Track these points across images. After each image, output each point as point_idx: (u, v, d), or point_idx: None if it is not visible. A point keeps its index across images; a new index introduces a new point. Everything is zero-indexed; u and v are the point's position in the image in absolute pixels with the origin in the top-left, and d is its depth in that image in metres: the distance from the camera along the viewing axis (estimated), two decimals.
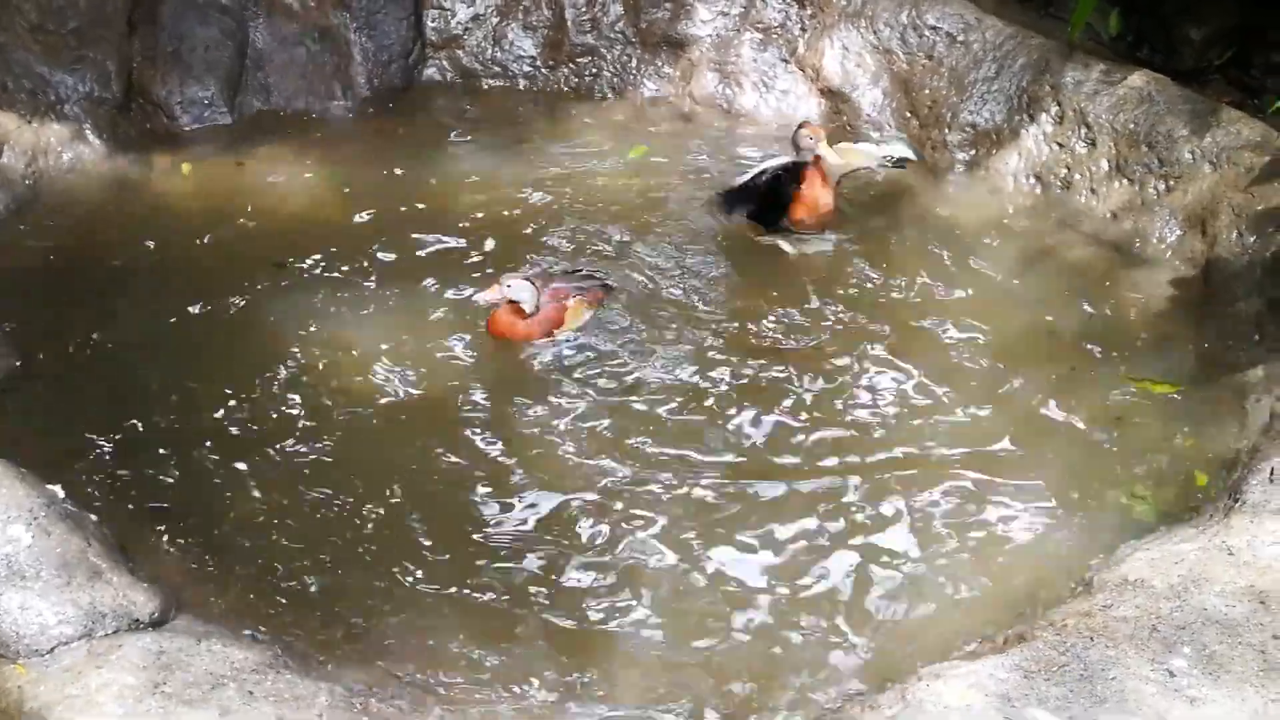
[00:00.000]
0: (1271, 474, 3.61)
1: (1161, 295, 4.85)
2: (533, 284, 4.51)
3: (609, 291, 4.79)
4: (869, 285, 4.97)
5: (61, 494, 3.48)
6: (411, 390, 4.37)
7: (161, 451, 4.06)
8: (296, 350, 4.48)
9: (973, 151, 5.66)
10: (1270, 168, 4.84)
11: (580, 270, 4.84)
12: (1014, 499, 3.99)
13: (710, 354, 4.59)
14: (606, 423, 4.26)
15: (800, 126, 5.14)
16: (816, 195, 5.09)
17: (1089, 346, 4.64)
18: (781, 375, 4.50)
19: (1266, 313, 4.47)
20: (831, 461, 4.15)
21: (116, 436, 4.10)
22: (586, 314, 4.68)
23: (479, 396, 4.37)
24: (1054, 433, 4.25)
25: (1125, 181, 5.24)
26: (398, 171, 5.55)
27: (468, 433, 4.22)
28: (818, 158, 5.04)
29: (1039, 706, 2.90)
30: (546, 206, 5.36)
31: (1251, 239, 4.74)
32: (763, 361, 4.55)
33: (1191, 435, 4.16)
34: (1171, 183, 5.11)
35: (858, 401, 4.41)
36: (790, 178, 5.12)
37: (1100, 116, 5.33)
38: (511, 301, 4.51)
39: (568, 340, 4.60)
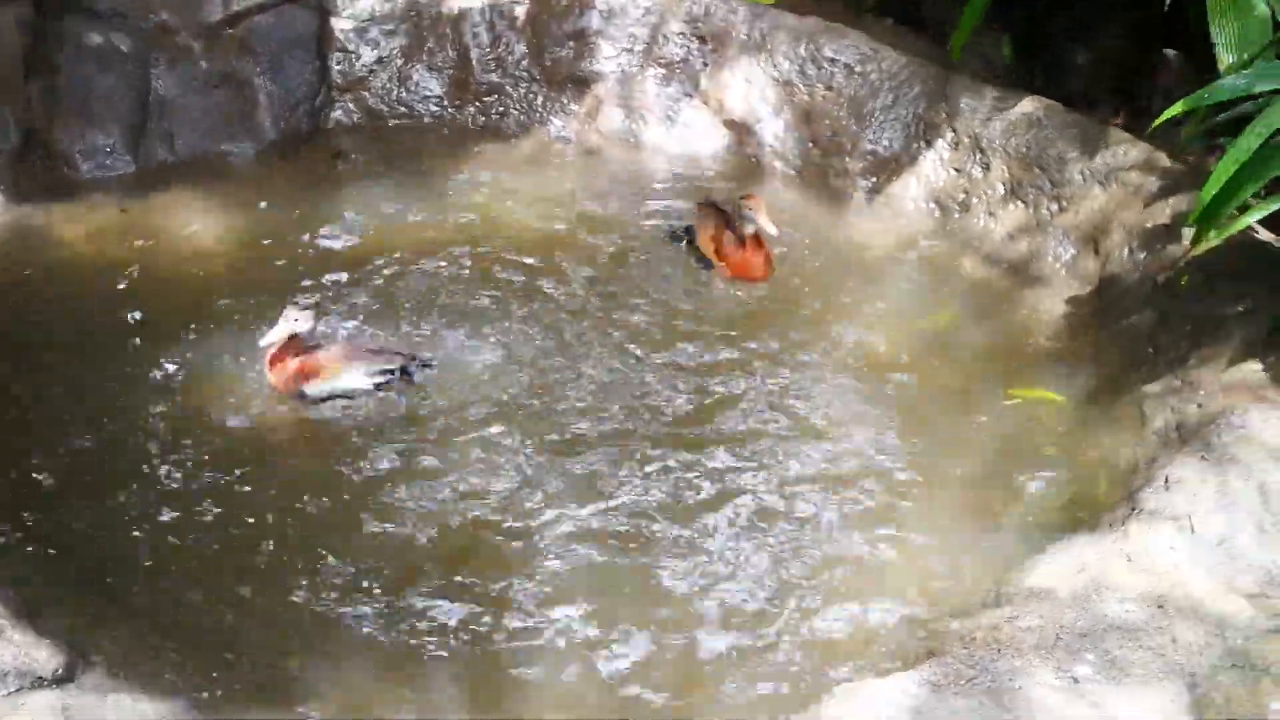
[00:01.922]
0: (1166, 482, 3.71)
1: (1058, 313, 4.99)
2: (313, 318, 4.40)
3: (406, 376, 4.51)
4: (768, 308, 5.04)
5: None
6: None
7: (56, 505, 4.01)
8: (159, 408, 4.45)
9: (874, 178, 5.78)
10: (1157, 186, 5.00)
11: (398, 351, 4.58)
12: (916, 516, 4.07)
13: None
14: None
15: (743, 198, 5.17)
16: (752, 262, 5.16)
17: (988, 364, 4.76)
18: (663, 397, 4.55)
19: (1159, 326, 4.60)
20: (728, 481, 4.20)
21: (8, 491, 4.03)
22: (349, 376, 4.45)
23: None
24: (955, 448, 4.34)
25: (1020, 204, 5.39)
26: (296, 214, 5.53)
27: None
28: (756, 233, 5.10)
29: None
30: (449, 243, 5.38)
31: (1142, 255, 4.89)
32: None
33: (1090, 446, 4.27)
34: (1064, 203, 5.26)
35: (755, 422, 4.46)
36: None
37: (994, 141, 5.48)
38: (293, 339, 4.39)
39: (318, 394, 4.45)
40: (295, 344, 4.43)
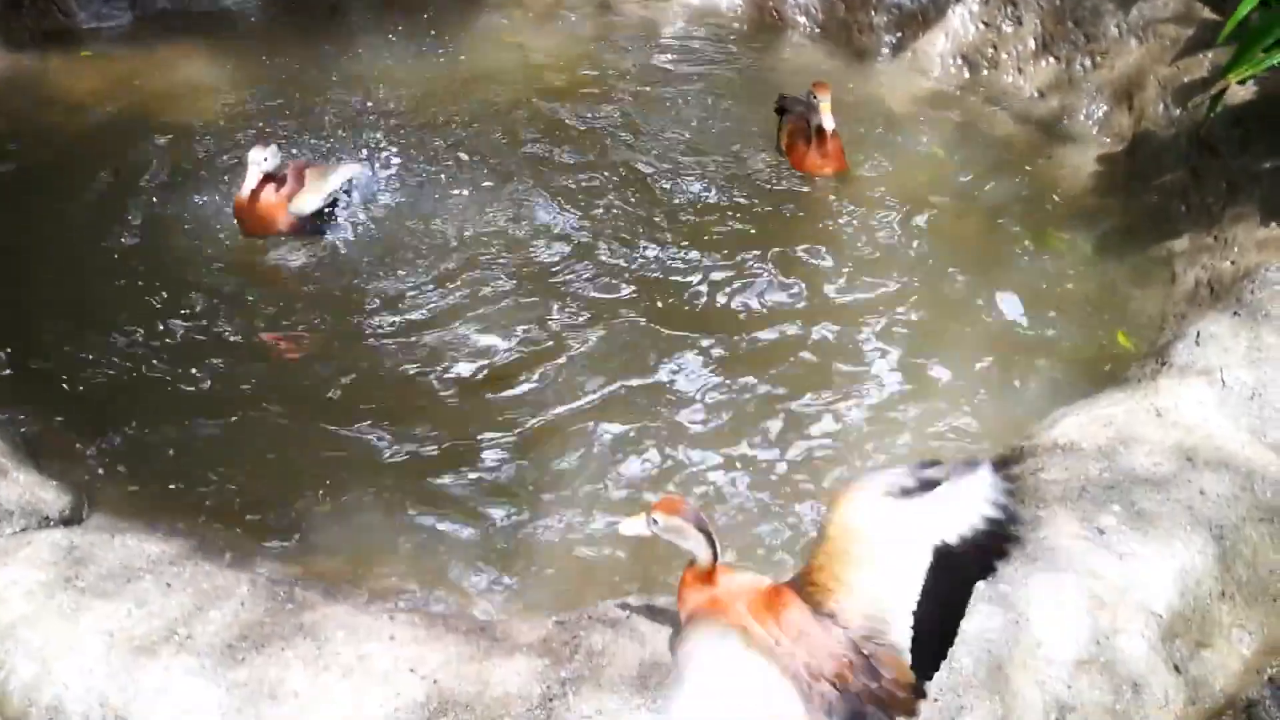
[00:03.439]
0: (1198, 337, 3.60)
1: (1088, 170, 4.83)
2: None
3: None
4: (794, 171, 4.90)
5: None
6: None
7: (65, 350, 3.94)
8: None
9: (899, 34, 5.58)
10: (1194, 39, 4.80)
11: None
12: (943, 369, 3.97)
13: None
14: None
15: (814, 85, 4.75)
16: (815, 159, 4.81)
17: (1015, 221, 4.61)
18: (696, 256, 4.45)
19: (1191, 183, 4.46)
20: (766, 333, 4.12)
21: (20, 339, 3.95)
22: (330, 181, 4.41)
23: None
24: (980, 303, 4.23)
25: (1052, 59, 5.19)
26: (298, 66, 5.38)
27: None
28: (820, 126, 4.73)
29: None
30: (456, 92, 5.23)
31: (1177, 111, 4.72)
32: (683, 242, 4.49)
33: (1120, 302, 4.16)
34: (1098, 58, 5.07)
35: (785, 280, 4.35)
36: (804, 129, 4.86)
37: None
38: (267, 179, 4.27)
39: (307, 209, 4.37)
40: (266, 181, 4.31)
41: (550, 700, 2.57)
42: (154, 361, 3.93)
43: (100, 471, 3.53)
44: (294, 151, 4.70)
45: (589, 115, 5.12)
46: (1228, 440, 3.29)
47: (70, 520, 3.15)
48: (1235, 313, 3.65)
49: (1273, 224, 4.03)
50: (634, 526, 2.58)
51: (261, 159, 4.24)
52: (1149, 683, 2.83)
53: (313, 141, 4.87)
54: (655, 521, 2.52)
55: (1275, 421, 3.35)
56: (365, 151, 4.76)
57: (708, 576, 2.50)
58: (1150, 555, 2.96)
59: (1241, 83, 4.36)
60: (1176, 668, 2.88)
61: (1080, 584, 2.87)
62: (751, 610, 2.40)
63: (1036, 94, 5.17)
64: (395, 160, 4.77)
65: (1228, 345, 3.53)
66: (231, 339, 4.03)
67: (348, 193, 4.48)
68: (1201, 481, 3.15)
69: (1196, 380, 3.46)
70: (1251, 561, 3.05)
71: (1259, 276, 3.77)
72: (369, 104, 5.13)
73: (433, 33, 5.63)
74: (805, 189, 4.76)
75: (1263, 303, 3.67)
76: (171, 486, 3.49)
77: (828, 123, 4.67)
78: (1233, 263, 4.00)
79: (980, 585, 2.78)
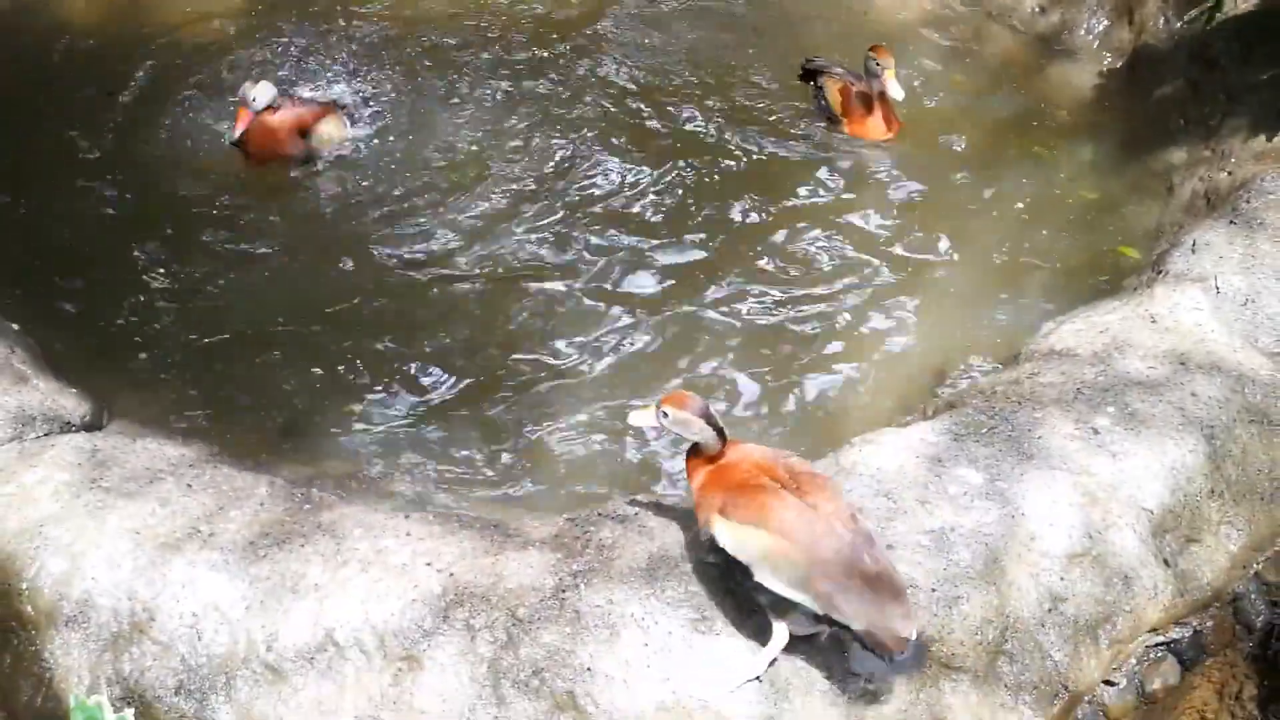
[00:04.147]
0: (1193, 246, 3.67)
1: (1089, 84, 4.85)
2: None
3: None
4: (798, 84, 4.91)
5: None
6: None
7: (82, 266, 4.00)
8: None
9: None
10: None
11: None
12: (946, 274, 4.05)
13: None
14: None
15: (871, 49, 4.45)
16: (875, 123, 4.56)
17: (1016, 132, 4.65)
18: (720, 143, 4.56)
19: (1191, 97, 4.48)
20: (774, 234, 4.22)
21: (38, 253, 4.02)
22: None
23: None
24: (981, 214, 4.28)
25: None
26: None
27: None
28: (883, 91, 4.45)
29: (969, 465, 2.97)
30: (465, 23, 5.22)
31: (1177, 24, 4.73)
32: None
33: (1117, 212, 4.22)
34: None
35: (788, 187, 4.41)
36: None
37: None
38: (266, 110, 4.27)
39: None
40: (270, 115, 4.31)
41: (563, 591, 2.67)
42: (165, 276, 3.99)
43: (118, 380, 3.60)
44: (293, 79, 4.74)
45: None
46: (1220, 345, 3.36)
47: (91, 427, 3.23)
48: (1231, 221, 3.71)
49: (1269, 136, 4.07)
50: (643, 418, 2.70)
51: (253, 96, 4.22)
52: (1139, 575, 2.93)
53: (314, 67, 4.87)
54: (665, 415, 2.63)
55: (1267, 327, 3.43)
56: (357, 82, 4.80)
57: (718, 458, 2.62)
58: (1142, 454, 3.04)
59: None
60: (1166, 561, 2.99)
61: (1074, 481, 2.96)
62: (767, 472, 2.55)
63: (1038, 9, 5.17)
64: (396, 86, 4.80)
65: (1222, 253, 3.60)
66: (240, 250, 4.09)
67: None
68: (1194, 384, 3.23)
69: (1191, 287, 3.53)
70: (1240, 461, 3.14)
71: (1255, 186, 3.83)
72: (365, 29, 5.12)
73: None
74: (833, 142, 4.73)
75: (1258, 212, 3.73)
76: (191, 393, 3.58)
77: (896, 91, 4.37)
78: (1229, 174, 4.05)
79: (977, 482, 2.91)
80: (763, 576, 2.45)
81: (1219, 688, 3.01)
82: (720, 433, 2.60)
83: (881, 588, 2.41)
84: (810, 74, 4.74)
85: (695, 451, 2.65)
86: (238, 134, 4.29)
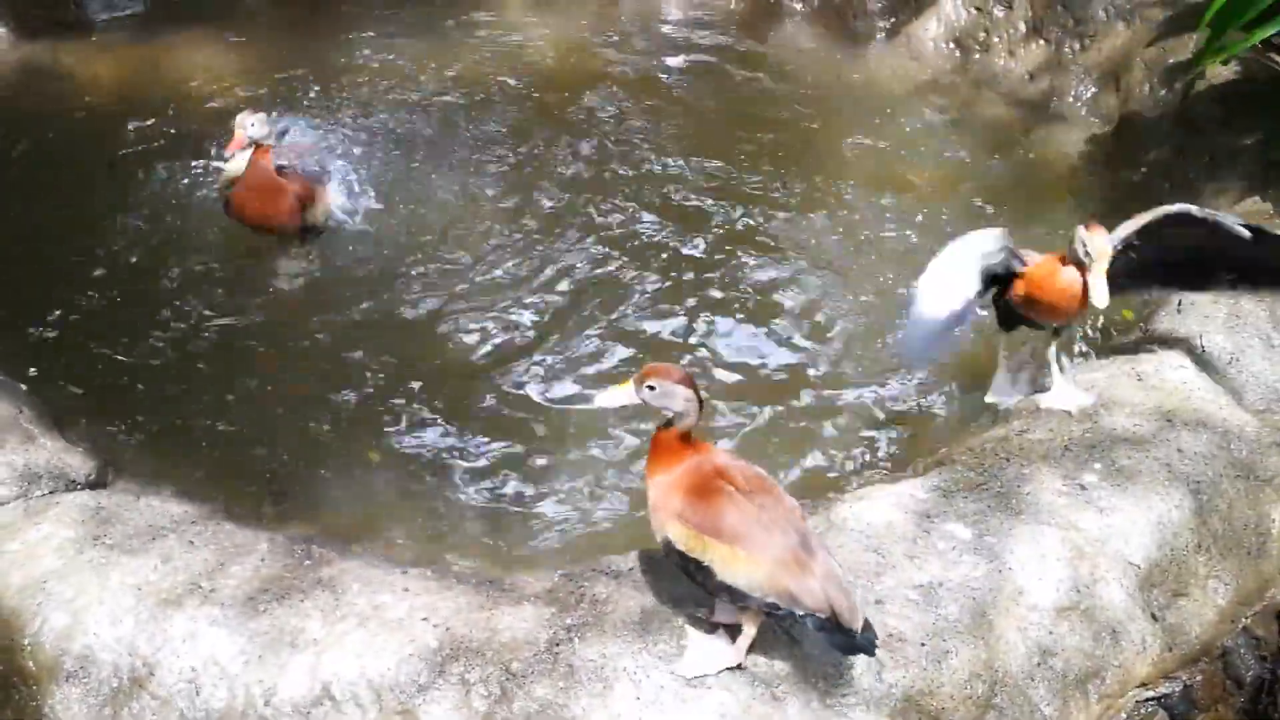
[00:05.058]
0: (1179, 305, 3.73)
1: (1077, 151, 4.96)
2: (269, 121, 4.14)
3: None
4: (793, 142, 5.01)
5: None
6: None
7: (90, 326, 4.08)
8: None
9: (893, 19, 5.71)
10: (1177, 20, 4.93)
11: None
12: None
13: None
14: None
15: (1085, 229, 3.20)
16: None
17: (1008, 199, 4.74)
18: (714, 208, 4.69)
19: (1176, 160, 4.59)
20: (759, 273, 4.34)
21: (45, 314, 4.11)
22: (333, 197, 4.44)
23: None
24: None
25: (1041, 42, 5.33)
26: (304, 55, 5.49)
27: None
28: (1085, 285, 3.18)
29: (957, 521, 3.02)
30: (455, 79, 5.36)
31: (1162, 92, 4.85)
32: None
33: None
34: (1086, 41, 5.20)
35: (777, 244, 4.54)
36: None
37: None
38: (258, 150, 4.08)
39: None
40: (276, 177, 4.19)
41: (556, 645, 2.70)
42: (167, 339, 4.07)
43: (123, 440, 3.67)
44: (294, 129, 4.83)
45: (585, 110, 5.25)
46: (1206, 402, 3.42)
47: (96, 484, 3.29)
48: None
49: (1253, 196, 4.17)
50: (617, 397, 2.66)
51: (248, 124, 4.05)
52: (1127, 629, 2.97)
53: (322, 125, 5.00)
54: (651, 388, 2.59)
55: (1252, 385, 3.50)
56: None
57: (686, 438, 2.65)
58: (1129, 509, 3.09)
59: (1224, 63, 4.50)
60: (1154, 616, 3.02)
61: (1062, 536, 3.00)
62: (724, 477, 2.62)
63: (1027, 76, 5.30)
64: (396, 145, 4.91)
65: (1208, 313, 3.67)
66: (240, 320, 4.18)
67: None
68: (1180, 440, 3.28)
69: (1177, 346, 3.59)
70: (1227, 515, 3.18)
71: None
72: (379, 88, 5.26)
73: (449, 22, 5.74)
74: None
75: None
76: (194, 451, 3.63)
77: (1100, 297, 3.12)
78: None
79: (965, 538, 2.96)
80: (725, 577, 2.54)
81: None
82: (702, 403, 2.64)
83: (831, 582, 2.51)
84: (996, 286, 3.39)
85: (667, 427, 2.64)
86: (228, 156, 4.18)
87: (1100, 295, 3.04)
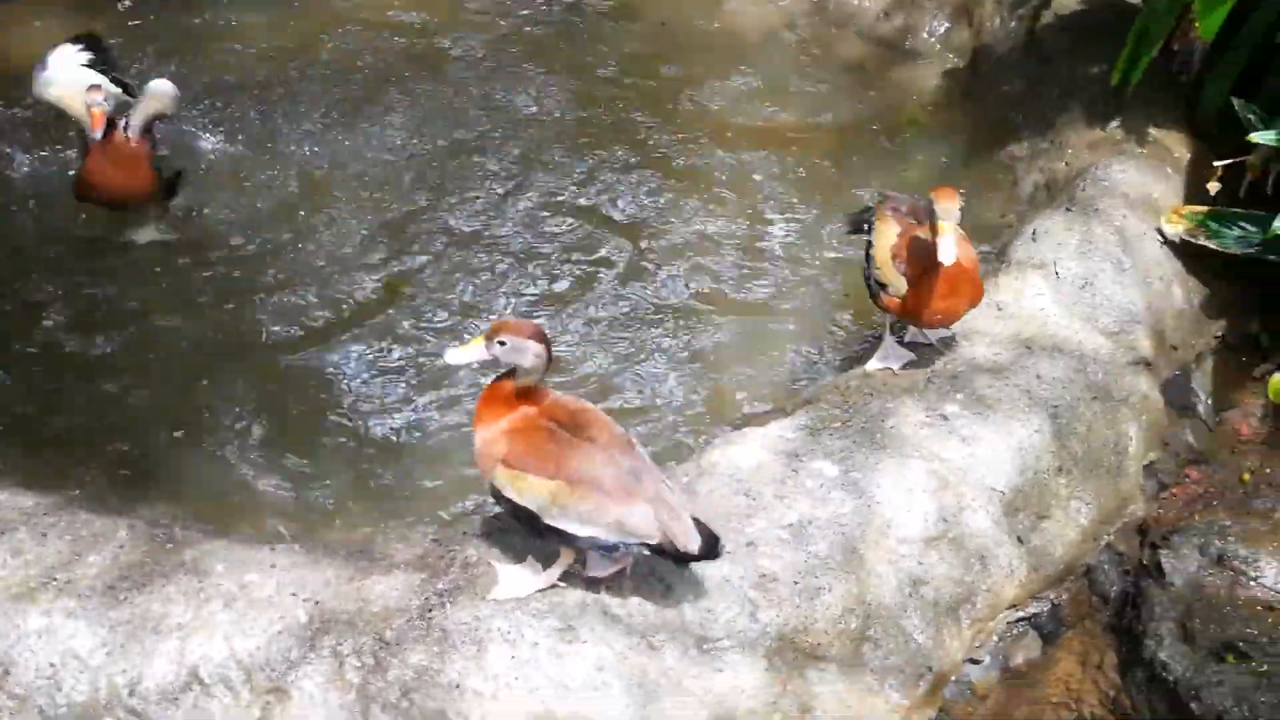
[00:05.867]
0: (1034, 234, 3.80)
1: (933, 85, 5.01)
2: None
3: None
4: (652, 83, 4.98)
5: None
6: None
7: None
8: None
9: None
10: None
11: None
12: (793, 282, 4.15)
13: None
14: None
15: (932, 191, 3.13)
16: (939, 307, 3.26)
17: (865, 135, 4.77)
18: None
19: (1028, 92, 4.65)
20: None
21: None
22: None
23: None
24: (832, 219, 4.38)
25: None
26: (158, 23, 5.28)
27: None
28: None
29: (824, 458, 3.05)
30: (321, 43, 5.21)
31: (1013, 24, 4.91)
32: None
33: (969, 209, 4.33)
34: None
35: (636, 198, 4.51)
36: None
37: None
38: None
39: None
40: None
41: (429, 611, 2.67)
42: (19, 326, 3.91)
43: None
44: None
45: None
46: (1062, 328, 3.50)
47: None
48: (1068, 209, 3.86)
49: (1101, 126, 4.25)
50: (466, 354, 2.63)
51: (99, 100, 3.90)
52: (995, 554, 3.04)
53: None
54: (502, 343, 2.56)
55: (1105, 308, 3.58)
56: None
57: (525, 391, 2.63)
58: (991, 437, 3.16)
59: None
60: (1020, 539, 3.10)
61: (926, 467, 3.05)
62: (548, 414, 2.62)
63: (881, 14, 5.33)
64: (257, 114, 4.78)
65: (1061, 240, 3.74)
66: (89, 290, 4.04)
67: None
68: (1038, 367, 3.35)
69: (1033, 274, 3.66)
70: (1085, 438, 3.27)
71: (1089, 175, 4.00)
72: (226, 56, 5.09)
73: None
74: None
75: (1093, 199, 3.89)
76: (47, 445, 3.50)
77: (946, 254, 3.07)
78: (1067, 164, 4.22)
79: (833, 474, 2.98)
80: (551, 519, 2.55)
81: (1081, 658, 3.12)
82: (551, 358, 2.62)
83: (661, 506, 2.53)
84: (858, 229, 3.58)
85: (507, 377, 2.63)
86: (99, 134, 3.95)
87: (948, 253, 3.06)
